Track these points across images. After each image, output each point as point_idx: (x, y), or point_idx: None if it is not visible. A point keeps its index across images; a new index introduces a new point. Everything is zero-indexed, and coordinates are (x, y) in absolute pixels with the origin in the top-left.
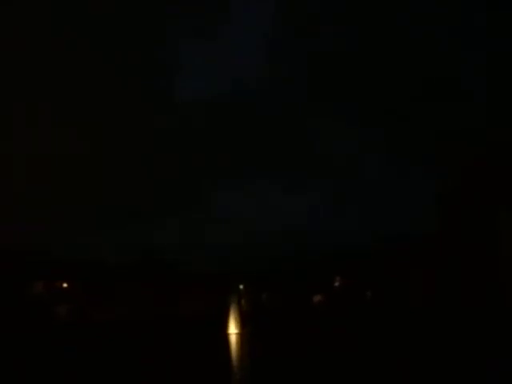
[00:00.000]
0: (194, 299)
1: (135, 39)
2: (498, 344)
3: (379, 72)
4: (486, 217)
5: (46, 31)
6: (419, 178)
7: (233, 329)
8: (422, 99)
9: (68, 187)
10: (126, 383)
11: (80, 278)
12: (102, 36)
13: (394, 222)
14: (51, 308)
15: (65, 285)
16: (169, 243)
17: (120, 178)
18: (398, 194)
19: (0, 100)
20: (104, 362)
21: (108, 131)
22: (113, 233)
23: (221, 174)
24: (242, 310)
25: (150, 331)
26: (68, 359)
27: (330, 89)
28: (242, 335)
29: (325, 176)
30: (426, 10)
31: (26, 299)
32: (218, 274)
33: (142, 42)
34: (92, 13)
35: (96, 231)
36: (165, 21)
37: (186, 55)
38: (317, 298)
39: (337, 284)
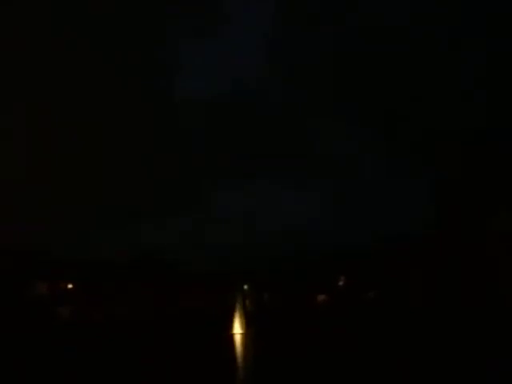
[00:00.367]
0: (195, 299)
1: (135, 39)
2: (497, 344)
3: (379, 72)
4: (486, 217)
5: (46, 31)
6: (419, 178)
7: (237, 329)
8: (422, 99)
9: (68, 187)
10: (126, 383)
11: (81, 279)
12: (102, 36)
13: (393, 222)
14: (53, 308)
15: (70, 285)
16: (169, 243)
17: (120, 177)
18: (398, 194)
19: (0, 100)
20: (104, 361)
21: (108, 131)
22: (113, 233)
23: (221, 174)
24: (246, 310)
25: (151, 331)
26: (68, 359)
27: (330, 89)
28: (246, 335)
29: (325, 176)
30: (426, 10)
31: (29, 299)
32: (219, 274)
33: (141, 41)
34: (92, 13)
35: (96, 231)
36: (165, 21)
37: (186, 55)
38: (320, 298)
39: (341, 283)
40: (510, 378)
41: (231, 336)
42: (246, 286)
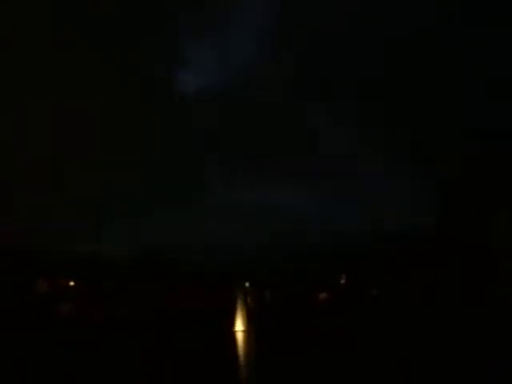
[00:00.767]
0: (195, 298)
1: (135, 39)
2: (497, 344)
3: (379, 72)
4: (486, 216)
5: (46, 31)
6: (419, 178)
7: (239, 326)
8: (422, 99)
9: (68, 187)
10: (126, 383)
11: (80, 278)
12: (102, 36)
13: (393, 222)
14: (54, 306)
15: (71, 283)
16: (169, 242)
17: (120, 177)
18: (398, 194)
19: (0, 100)
20: (104, 361)
21: (108, 131)
22: (113, 232)
23: (221, 174)
24: (248, 308)
25: (151, 330)
26: (68, 358)
27: (330, 89)
28: (248, 333)
29: (325, 176)
30: (426, 10)
31: (29, 297)
32: (219, 273)
33: (141, 41)
34: (92, 13)
35: (96, 231)
36: (165, 21)
37: (186, 54)
38: (321, 296)
39: (343, 281)
40: (510, 378)
41: (233, 333)
42: (247, 284)
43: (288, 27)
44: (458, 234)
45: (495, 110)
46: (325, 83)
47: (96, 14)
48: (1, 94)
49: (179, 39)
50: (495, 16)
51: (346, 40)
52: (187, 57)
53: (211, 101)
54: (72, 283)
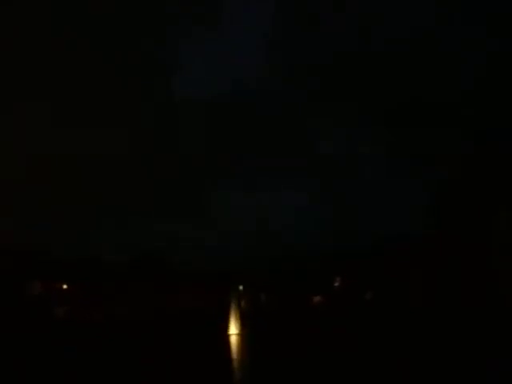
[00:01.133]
0: (193, 299)
1: (135, 39)
2: (497, 344)
3: (379, 72)
4: (486, 217)
5: (46, 31)
6: (419, 178)
7: (233, 329)
8: (422, 99)
9: (68, 187)
10: (126, 383)
11: (80, 278)
12: (102, 36)
13: (393, 222)
14: (50, 308)
15: (64, 286)
16: (169, 243)
17: (120, 178)
18: (398, 194)
19: (0, 100)
20: (104, 362)
21: (108, 131)
22: (113, 233)
23: (221, 174)
24: (241, 311)
25: (150, 331)
26: (68, 359)
27: (331, 89)
28: (242, 336)
29: (325, 176)
30: (426, 10)
31: (25, 299)
32: (217, 274)
33: (141, 41)
34: (92, 13)
35: (96, 231)
36: (165, 21)
37: (186, 55)
38: (316, 299)
39: (337, 284)
40: (510, 378)
41: (227, 337)
42: (241, 287)
43: (285, 29)
44: (457, 234)
45: (495, 110)
46: (325, 83)
47: (96, 13)
48: (1, 94)
49: (179, 40)
50: (495, 16)
51: (345, 40)
52: (187, 59)
53: (207, 104)
54: (65, 286)
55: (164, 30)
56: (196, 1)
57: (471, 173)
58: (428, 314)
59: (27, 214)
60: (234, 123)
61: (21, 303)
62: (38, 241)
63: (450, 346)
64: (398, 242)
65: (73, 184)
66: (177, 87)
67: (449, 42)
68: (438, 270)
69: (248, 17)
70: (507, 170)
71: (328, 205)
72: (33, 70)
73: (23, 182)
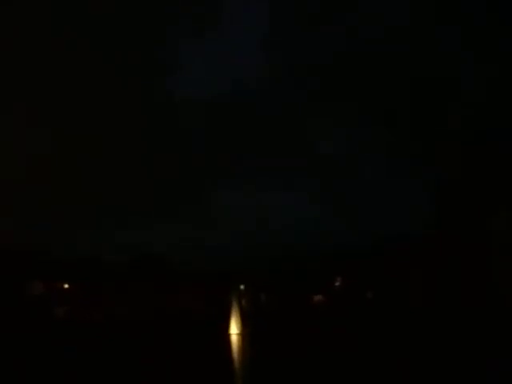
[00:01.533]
0: (193, 299)
1: (135, 39)
2: (497, 344)
3: (379, 72)
4: (486, 216)
5: (46, 31)
6: (419, 178)
7: (234, 329)
8: (422, 99)
9: (68, 187)
10: (126, 383)
11: (80, 278)
12: (102, 36)
13: (393, 222)
14: (50, 308)
15: (66, 285)
16: (169, 243)
17: (120, 178)
18: (398, 194)
19: (0, 100)
20: (104, 362)
21: (108, 131)
22: (113, 233)
23: (221, 174)
24: (242, 311)
25: (150, 331)
26: (68, 359)
27: (330, 89)
28: (242, 336)
29: (325, 176)
30: (426, 11)
31: (26, 299)
32: (217, 274)
33: (141, 42)
34: (92, 13)
35: (96, 231)
36: (165, 21)
37: (186, 55)
38: (317, 298)
39: (337, 284)
40: (510, 378)
41: (228, 337)
42: (242, 287)
43: (285, 29)
44: (457, 234)
45: (495, 110)
46: (325, 83)
47: (96, 13)
48: (1, 93)
49: (179, 39)
50: (495, 16)
51: (345, 40)
52: (187, 59)
53: (207, 104)
54: (67, 286)
55: (164, 30)
56: (196, 1)
57: (471, 173)
58: (428, 314)
59: (27, 214)
60: (234, 123)
61: (21, 303)
62: (38, 241)
63: (450, 345)
64: (398, 242)
65: (73, 184)
66: (177, 87)
67: (449, 42)
68: (438, 270)
69: (248, 17)
70: (507, 170)
71: (328, 205)
72: (33, 70)
73: (23, 182)
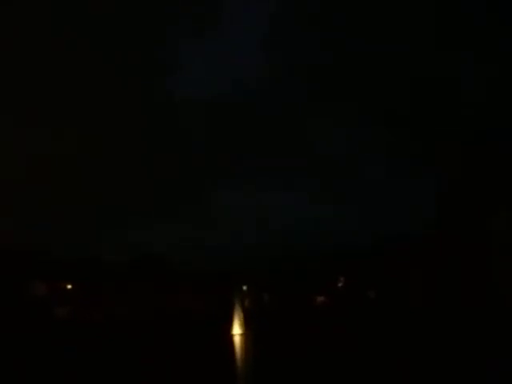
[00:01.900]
0: (194, 299)
1: (135, 39)
2: (497, 344)
3: (379, 72)
4: (486, 216)
5: (46, 31)
6: (419, 178)
7: (237, 330)
8: (422, 99)
9: (68, 187)
10: (126, 383)
11: (80, 279)
12: (102, 36)
13: (393, 222)
14: (51, 308)
15: (67, 286)
16: (169, 243)
17: (120, 178)
18: (398, 194)
19: (0, 100)
20: (104, 361)
21: (108, 131)
22: (113, 233)
23: (221, 174)
24: (245, 311)
25: (150, 331)
26: (68, 359)
27: (331, 89)
28: (245, 336)
29: (325, 176)
30: (427, 11)
31: (27, 299)
32: (218, 274)
33: (141, 42)
34: (92, 13)
35: (96, 231)
36: (165, 21)
37: (186, 55)
38: (319, 299)
39: (338, 284)
40: (510, 378)
41: (231, 337)
42: (244, 287)
43: (285, 29)
44: (457, 234)
45: (495, 110)
46: (325, 83)
47: (96, 13)
48: (1, 93)
49: (179, 39)
50: (495, 16)
51: (345, 40)
52: (187, 59)
53: (207, 104)
54: (67, 286)
55: (164, 30)
56: (196, 1)
57: (471, 173)
58: (428, 314)
59: (27, 214)
60: (234, 123)
61: (23, 303)
62: (38, 241)
63: (450, 345)
64: (397, 242)
65: (73, 184)
66: (177, 87)
67: (449, 42)
68: (438, 270)
69: (248, 17)
70: (507, 170)
71: (328, 205)
72: (33, 70)
73: (23, 182)
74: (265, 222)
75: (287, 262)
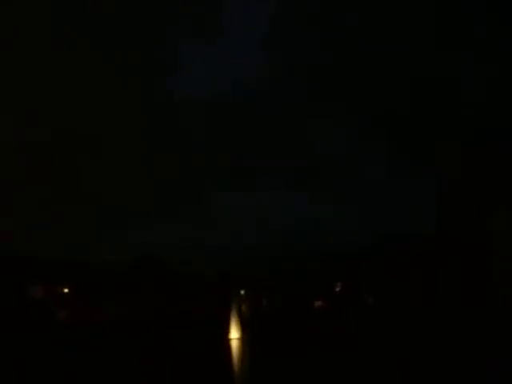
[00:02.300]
0: (193, 299)
1: (135, 39)
2: (497, 344)
3: (379, 72)
4: (486, 217)
5: (46, 31)
6: (419, 178)
7: (234, 334)
8: (422, 99)
9: (68, 187)
10: (126, 383)
11: (80, 279)
12: (102, 36)
13: (393, 221)
14: (51, 308)
15: (66, 286)
16: (169, 243)
17: (120, 178)
18: (398, 194)
19: (0, 100)
20: (104, 362)
21: (108, 131)
22: (113, 233)
23: (221, 174)
24: (242, 316)
25: (150, 331)
26: (68, 360)
27: (331, 89)
28: (242, 340)
29: (325, 176)
30: (427, 11)
31: (27, 302)
32: (218, 274)
33: (141, 42)
34: (92, 13)
35: (96, 231)
36: (165, 21)
37: (186, 55)
38: (317, 303)
39: (338, 289)
40: (510, 377)
41: (227, 341)
42: (242, 292)
43: (285, 29)
44: (457, 234)
45: (495, 110)
46: (325, 83)
47: (96, 13)
48: (1, 93)
49: (179, 40)
50: (494, 16)
51: (344, 40)
52: (187, 59)
53: (207, 104)
54: (66, 286)
55: (164, 30)
56: (196, 1)
57: (471, 173)
58: (428, 314)
59: (27, 215)
60: (234, 123)
61: (22, 305)
62: (37, 241)
63: (450, 345)
64: (398, 242)
65: (73, 184)
66: (177, 87)
67: (448, 42)
68: (438, 270)
69: (248, 17)
70: (507, 170)
71: (328, 205)
72: (33, 70)
73: (23, 182)
74: (265, 222)
75: (287, 262)
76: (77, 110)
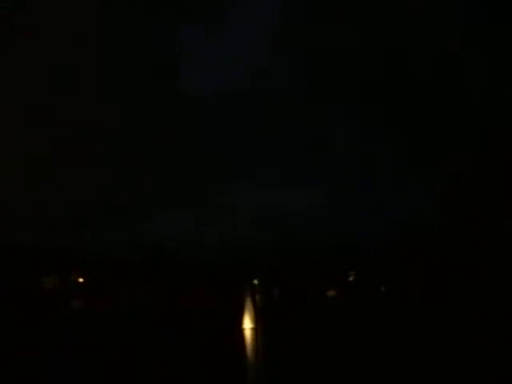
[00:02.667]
0: (206, 292)
1: (137, 38)
2: (497, 344)
3: (380, 72)
4: (487, 216)
5: (45, 31)
6: (419, 178)
7: (248, 323)
8: (422, 99)
9: (68, 187)
10: (131, 381)
11: (92, 273)
12: (104, 35)
13: (393, 221)
14: (63, 302)
15: (79, 279)
16: (182, 233)
17: (120, 177)
18: (398, 194)
19: (0, 100)
20: (110, 358)
21: (108, 131)
22: (113, 233)
23: (222, 173)
24: (256, 305)
25: (162, 324)
26: (69, 359)
27: (331, 89)
28: (256, 330)
29: (325, 176)
30: (427, 10)
31: (39, 292)
32: (228, 270)
33: (143, 40)
34: (92, 13)
35: (104, 227)
36: (168, 19)
37: (187, 55)
38: (330, 293)
39: (351, 278)
40: (510, 378)
41: (242, 331)
42: (256, 281)
43: (290, 28)
44: (457, 234)
45: (495, 110)
46: (326, 83)
47: (96, 14)
48: (1, 93)
49: (180, 39)
50: (494, 15)
51: (346, 40)
52: (187, 59)
53: (207, 104)
54: (80, 279)
55: (164, 30)
56: (196, 1)
57: (472, 172)
58: (430, 313)
59: (35, 210)
60: (234, 123)
61: (36, 296)
62: (49, 235)
63: (450, 345)
64: (398, 242)
65: (79, 178)
66: (176, 87)
67: (449, 43)
68: (438, 270)
69: (249, 17)
70: (508, 170)
71: (327, 205)
72: (33, 70)
73: (23, 180)
74: (276, 215)
75: (296, 259)
76: (77, 110)
